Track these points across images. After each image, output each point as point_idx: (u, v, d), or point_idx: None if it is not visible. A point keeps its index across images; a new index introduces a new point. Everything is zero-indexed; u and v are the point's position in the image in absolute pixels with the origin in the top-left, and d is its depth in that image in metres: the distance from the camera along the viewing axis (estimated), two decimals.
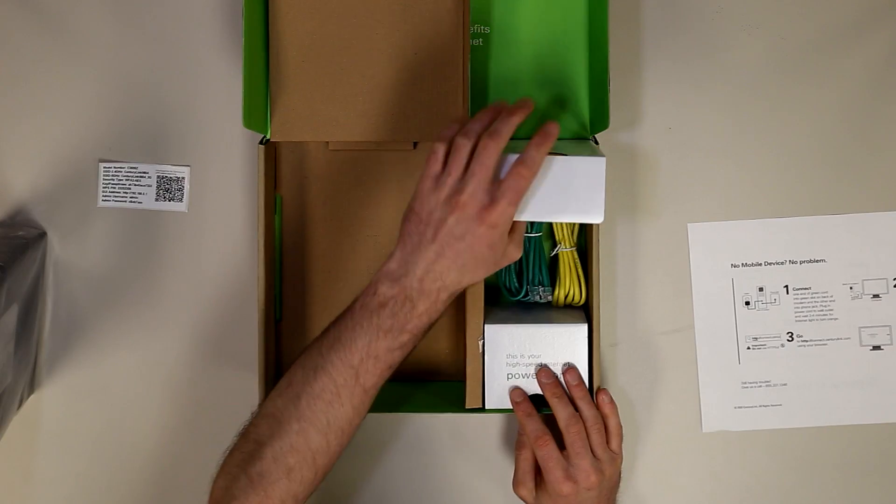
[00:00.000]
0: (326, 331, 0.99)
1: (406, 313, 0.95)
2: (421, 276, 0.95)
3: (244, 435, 0.98)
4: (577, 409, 1.06)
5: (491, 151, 0.94)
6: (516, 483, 1.08)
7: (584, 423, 1.06)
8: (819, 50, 1.18)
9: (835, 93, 1.17)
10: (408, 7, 1.10)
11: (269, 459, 0.95)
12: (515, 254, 0.98)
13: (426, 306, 0.95)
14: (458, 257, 0.94)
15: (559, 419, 1.05)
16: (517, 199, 0.94)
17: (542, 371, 1.07)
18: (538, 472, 1.07)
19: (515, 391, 1.08)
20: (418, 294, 0.95)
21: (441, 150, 0.96)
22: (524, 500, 1.08)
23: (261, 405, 1.00)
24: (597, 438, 1.05)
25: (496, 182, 0.94)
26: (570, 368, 1.08)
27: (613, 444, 1.07)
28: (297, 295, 1.15)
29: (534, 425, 1.06)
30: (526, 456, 1.08)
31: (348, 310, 0.98)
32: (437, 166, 0.96)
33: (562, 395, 1.07)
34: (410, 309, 0.95)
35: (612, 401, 1.08)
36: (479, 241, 0.94)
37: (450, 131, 0.98)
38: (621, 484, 1.09)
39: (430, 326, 0.97)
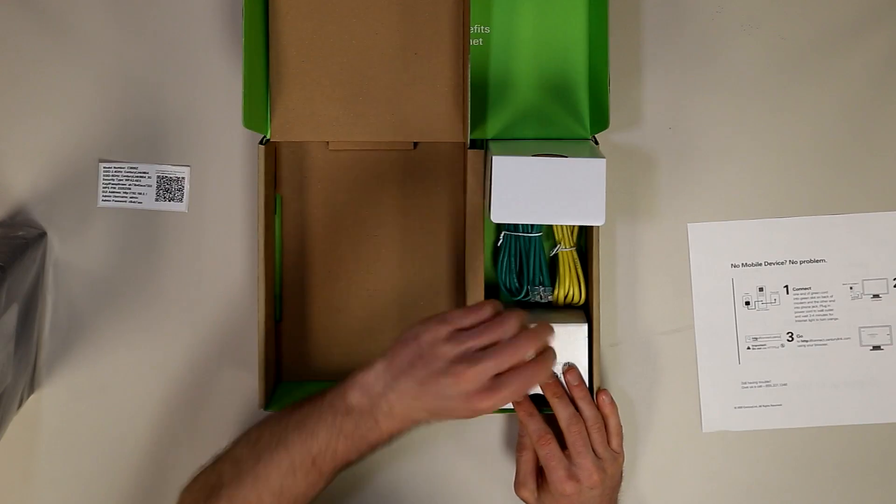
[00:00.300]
0: (299, 406, 0.98)
1: (369, 428, 0.95)
2: (392, 403, 0.94)
3: (216, 462, 0.99)
4: (577, 408, 1.06)
5: (520, 348, 0.93)
6: (518, 484, 1.09)
7: (584, 422, 1.06)
8: (819, 50, 1.18)
9: (835, 93, 1.17)
10: (408, 7, 1.10)
11: (224, 502, 0.96)
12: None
13: (389, 428, 0.95)
14: (435, 408, 0.93)
15: (560, 419, 1.05)
16: (509, 400, 0.92)
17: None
18: (539, 474, 1.08)
19: None
20: (385, 416, 0.94)
21: (485, 313, 0.95)
22: (526, 502, 1.08)
23: (239, 436, 1.00)
24: (597, 437, 1.05)
25: (500, 374, 0.92)
26: (570, 368, 1.08)
27: (614, 444, 1.07)
28: (296, 295, 1.15)
29: (536, 425, 1.06)
30: (527, 457, 1.08)
31: (319, 398, 0.97)
32: (467, 320, 0.95)
33: (562, 395, 1.07)
34: (373, 425, 0.94)
35: (612, 401, 1.08)
36: (460, 411, 0.93)
37: (499, 310, 0.97)
38: (622, 483, 1.09)
39: (392, 441, 0.97)
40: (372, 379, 0.95)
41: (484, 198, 1.08)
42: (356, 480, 1.16)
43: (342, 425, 0.95)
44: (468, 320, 0.95)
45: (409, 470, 1.16)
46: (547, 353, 0.95)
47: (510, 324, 0.94)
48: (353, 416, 0.94)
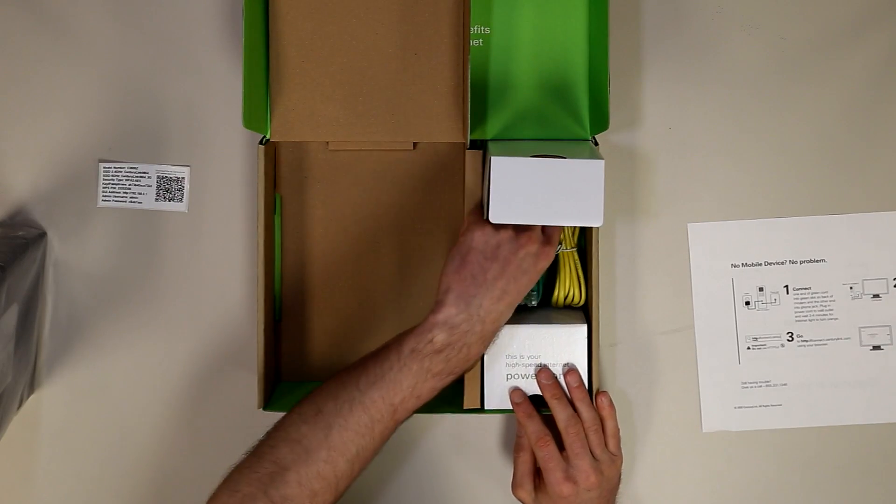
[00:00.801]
0: (364, 365, 0.99)
1: (461, 359, 0.99)
2: (483, 318, 0.99)
3: (258, 455, 0.97)
4: (576, 410, 1.06)
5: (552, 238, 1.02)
6: (515, 485, 1.09)
7: (582, 424, 1.06)
8: (819, 50, 1.18)
9: (835, 93, 1.17)
10: (408, 7, 1.10)
11: (293, 484, 0.94)
12: None
13: (479, 349, 1.00)
14: (519, 293, 1.00)
15: (558, 420, 1.06)
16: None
17: (542, 372, 1.07)
18: (537, 475, 1.08)
19: (515, 392, 1.08)
20: (478, 339, 0.99)
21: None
22: (523, 503, 1.08)
23: (278, 427, 0.99)
24: (595, 439, 1.05)
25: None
26: (570, 370, 1.08)
27: (611, 446, 1.07)
28: (296, 295, 1.15)
29: (535, 426, 1.06)
30: (525, 458, 1.08)
31: (394, 349, 0.99)
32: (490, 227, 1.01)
33: (561, 397, 1.07)
34: (466, 354, 0.99)
35: (610, 403, 1.08)
36: (534, 276, 1.01)
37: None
38: (621, 486, 1.09)
39: (475, 365, 1.02)
40: (454, 312, 0.98)
41: (483, 198, 1.08)
42: (357, 481, 1.16)
43: (431, 366, 0.98)
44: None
45: (407, 470, 1.16)
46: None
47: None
48: (442, 355, 0.98)
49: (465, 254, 1.00)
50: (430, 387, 0.98)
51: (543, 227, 1.02)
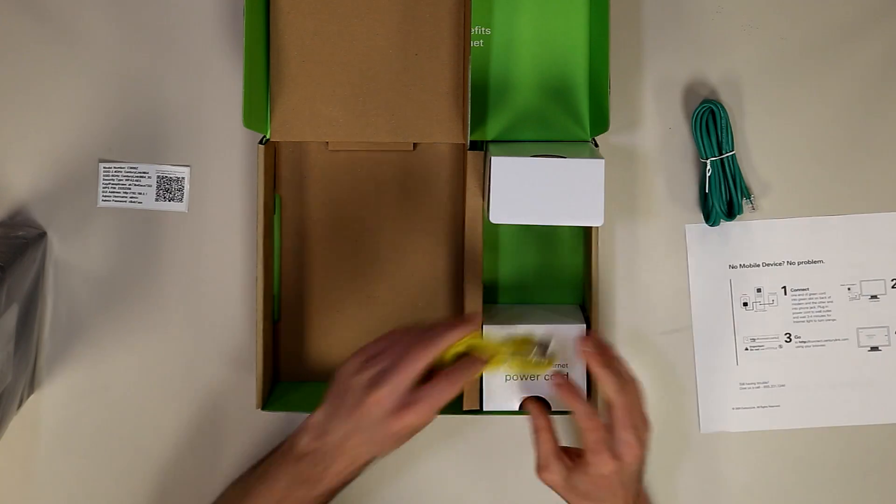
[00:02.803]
0: (259, 462, 1.03)
1: (322, 470, 0.98)
2: (338, 443, 0.97)
3: None
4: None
5: (417, 356, 0.96)
6: (542, 468, 1.02)
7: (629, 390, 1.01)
8: (819, 50, 1.18)
9: (834, 93, 1.17)
10: (408, 8, 1.10)
11: None
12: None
13: (341, 468, 0.98)
14: (372, 437, 0.97)
15: (608, 387, 0.99)
16: (430, 412, 0.97)
17: (584, 339, 1.03)
18: (564, 454, 1.03)
19: (556, 375, 1.04)
20: (334, 456, 0.97)
21: (395, 334, 1.00)
22: (552, 485, 1.02)
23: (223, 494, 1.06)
24: (639, 405, 1.01)
25: (418, 387, 0.97)
26: (587, 336, 1.04)
27: (644, 408, 1.03)
28: (295, 295, 1.15)
29: (584, 405, 1.00)
30: (545, 437, 1.03)
31: (277, 448, 1.01)
32: (374, 349, 1.00)
33: (610, 364, 1.01)
34: (326, 467, 0.98)
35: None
36: (388, 436, 0.97)
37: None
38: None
39: (348, 483, 1.00)
40: (321, 420, 0.99)
41: (483, 199, 1.08)
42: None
43: (297, 472, 0.98)
44: (377, 347, 0.99)
45: (406, 470, 1.17)
46: (470, 357, 1.00)
47: (406, 335, 0.99)
48: (307, 461, 0.98)
49: (335, 379, 1.00)
50: (302, 493, 0.98)
51: (425, 388, 0.97)
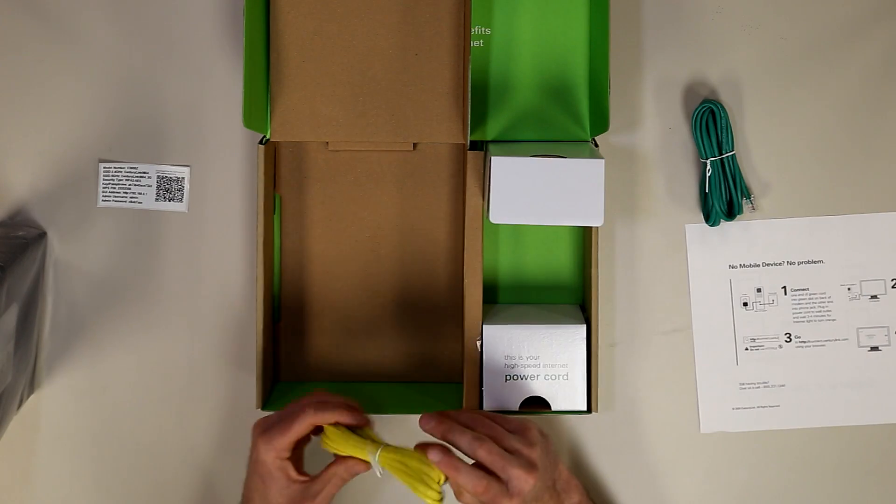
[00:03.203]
0: None
1: None
2: None
3: None
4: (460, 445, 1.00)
5: (305, 415, 0.99)
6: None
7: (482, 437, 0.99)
8: (819, 50, 1.18)
9: (834, 93, 1.17)
10: (408, 8, 1.10)
11: None
12: None
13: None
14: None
15: (465, 450, 0.98)
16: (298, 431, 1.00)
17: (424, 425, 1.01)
18: None
19: (434, 450, 0.98)
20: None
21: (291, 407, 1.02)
22: None
23: None
24: (508, 441, 0.99)
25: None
26: (431, 448, 0.99)
27: (519, 440, 1.00)
28: (295, 295, 1.15)
29: (466, 476, 0.97)
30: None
31: None
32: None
33: (450, 449, 0.99)
34: None
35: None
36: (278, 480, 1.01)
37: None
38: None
39: None
40: None
41: (483, 199, 1.08)
42: (353, 481, 1.16)
43: None
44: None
45: None
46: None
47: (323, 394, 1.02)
48: None
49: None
50: None
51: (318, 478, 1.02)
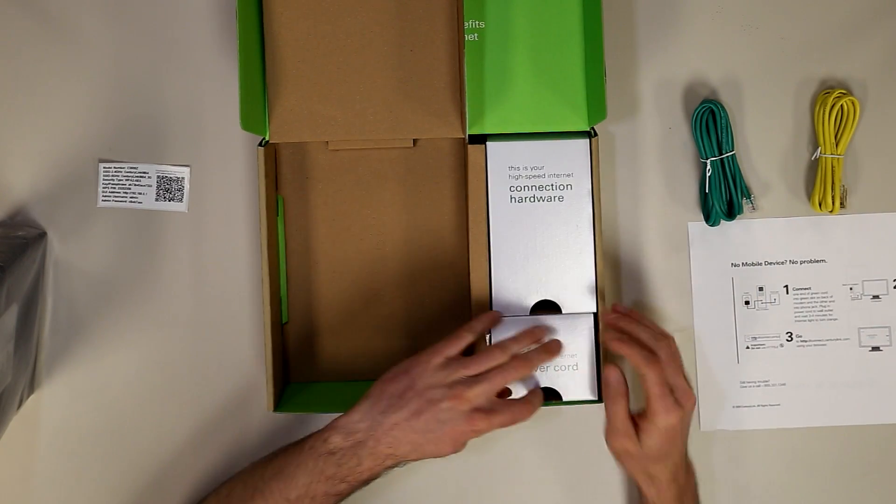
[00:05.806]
0: (273, 456, 1.03)
1: (351, 467, 0.99)
2: (379, 439, 0.99)
3: None
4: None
5: (517, 372, 1.01)
6: (618, 435, 1.04)
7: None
8: (819, 50, 1.18)
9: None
10: (402, 4, 1.11)
11: None
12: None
13: (371, 465, 0.99)
14: (425, 438, 0.99)
15: (645, 340, 1.03)
16: (506, 425, 1.00)
17: (605, 324, 1.08)
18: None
19: (608, 334, 1.07)
20: (368, 455, 0.99)
21: (467, 339, 1.03)
22: (623, 450, 1.04)
23: (203, 500, 1.06)
24: (677, 359, 1.04)
25: (497, 398, 1.01)
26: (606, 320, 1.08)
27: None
28: (302, 296, 1.15)
29: (638, 352, 1.02)
30: (618, 408, 1.03)
31: (298, 445, 1.02)
32: (454, 350, 1.02)
33: (638, 322, 1.06)
34: (356, 464, 0.99)
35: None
36: (454, 435, 0.99)
37: (480, 325, 1.05)
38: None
39: (370, 482, 1.01)
40: (356, 419, 1.00)
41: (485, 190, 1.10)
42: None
43: (323, 468, 0.99)
44: (455, 349, 1.01)
45: (408, 470, 1.16)
46: (554, 344, 1.05)
47: (497, 355, 1.02)
48: (334, 458, 0.99)
49: (402, 372, 1.01)
50: (322, 490, 0.99)
51: (508, 404, 1.02)
